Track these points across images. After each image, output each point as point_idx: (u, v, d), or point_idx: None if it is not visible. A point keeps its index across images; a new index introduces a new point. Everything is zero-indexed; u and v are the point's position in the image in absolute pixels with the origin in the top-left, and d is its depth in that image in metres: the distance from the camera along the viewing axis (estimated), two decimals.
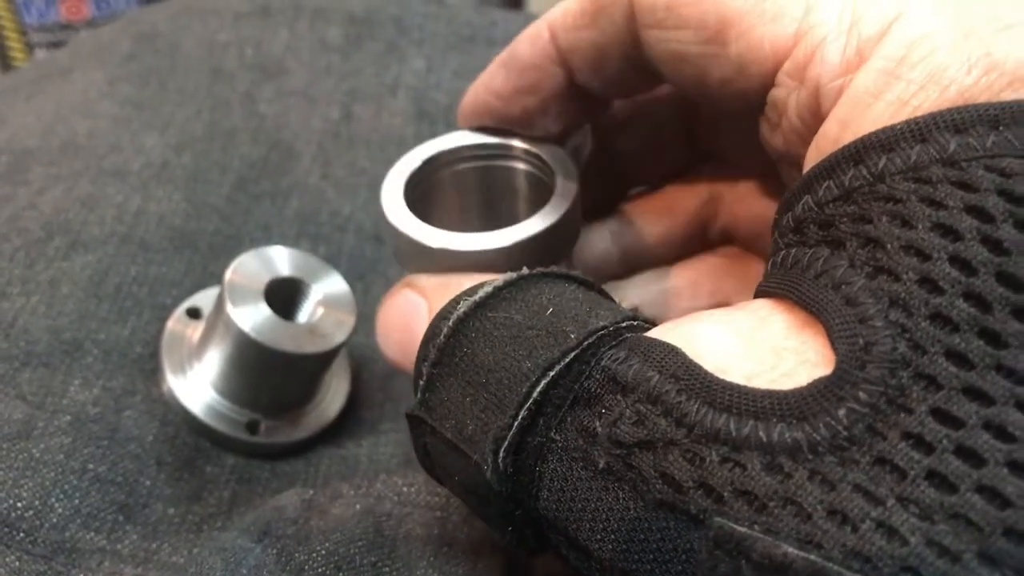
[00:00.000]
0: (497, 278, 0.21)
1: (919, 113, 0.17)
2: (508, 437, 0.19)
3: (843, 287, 0.17)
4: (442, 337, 0.20)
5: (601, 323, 0.19)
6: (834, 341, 0.16)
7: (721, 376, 0.17)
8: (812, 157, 0.19)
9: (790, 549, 0.15)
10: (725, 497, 0.16)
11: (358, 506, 0.25)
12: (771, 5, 0.20)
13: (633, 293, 0.28)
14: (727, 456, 0.16)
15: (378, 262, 0.37)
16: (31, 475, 0.27)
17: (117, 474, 0.28)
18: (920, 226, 0.16)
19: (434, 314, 0.21)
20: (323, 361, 0.30)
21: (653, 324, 0.20)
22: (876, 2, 0.19)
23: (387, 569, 0.24)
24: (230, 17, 0.43)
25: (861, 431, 0.15)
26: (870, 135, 0.18)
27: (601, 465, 0.18)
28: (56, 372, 0.29)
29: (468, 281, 0.21)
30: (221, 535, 0.25)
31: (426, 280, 0.24)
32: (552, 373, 0.18)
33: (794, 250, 0.19)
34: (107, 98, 0.38)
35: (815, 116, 0.20)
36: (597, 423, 0.18)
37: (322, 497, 0.26)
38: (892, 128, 0.17)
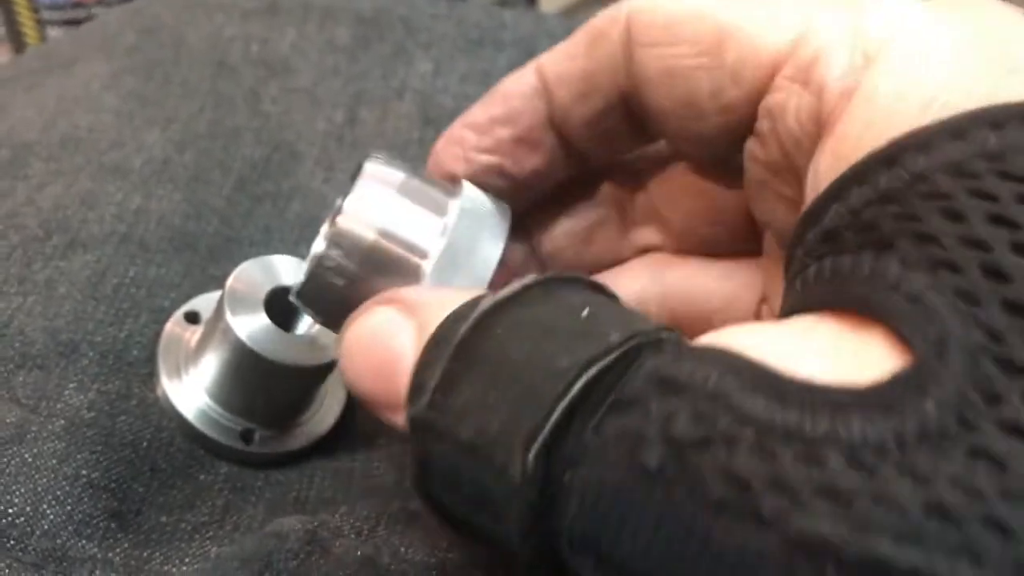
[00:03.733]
0: (526, 278, 0.19)
1: (949, 111, 0.17)
2: (542, 436, 0.17)
3: (902, 285, 0.16)
4: (463, 331, 0.18)
5: (643, 327, 0.18)
6: (907, 337, 0.15)
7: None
8: (827, 164, 0.19)
9: (888, 548, 0.14)
10: (803, 496, 0.14)
11: (359, 552, 0.25)
12: (768, 14, 0.21)
13: None
14: (802, 453, 0.15)
15: None
16: (23, 480, 0.26)
17: (110, 480, 0.28)
18: (974, 218, 0.16)
19: (426, 333, 0.19)
20: (320, 373, 0.29)
21: (690, 339, 0.19)
22: (878, 11, 0.19)
23: None
24: (237, 13, 0.43)
25: (952, 423, 0.14)
26: (903, 137, 0.17)
27: (652, 467, 0.16)
28: (51, 375, 0.29)
29: (469, 295, 0.20)
30: (222, 565, 0.25)
31: (416, 293, 0.21)
32: (593, 371, 0.17)
33: (829, 260, 0.18)
34: (110, 91, 0.38)
35: (815, 121, 0.19)
36: (645, 423, 0.16)
37: (325, 532, 0.26)
38: (926, 128, 0.17)
